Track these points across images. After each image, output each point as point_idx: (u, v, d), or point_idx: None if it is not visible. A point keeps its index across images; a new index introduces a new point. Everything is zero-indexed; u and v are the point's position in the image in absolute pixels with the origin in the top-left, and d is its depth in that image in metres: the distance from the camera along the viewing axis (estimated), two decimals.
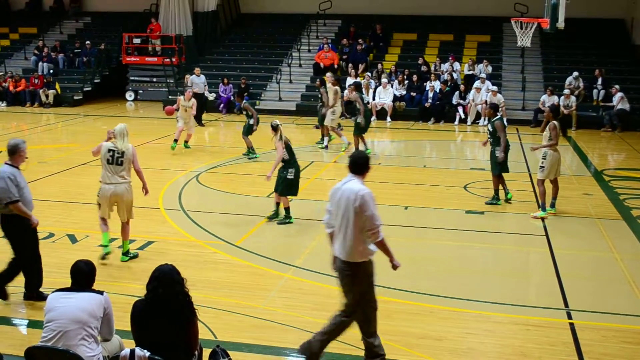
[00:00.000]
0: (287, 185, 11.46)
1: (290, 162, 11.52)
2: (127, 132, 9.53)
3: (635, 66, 26.07)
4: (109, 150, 9.28)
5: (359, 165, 6.52)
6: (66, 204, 12.75)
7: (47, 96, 26.68)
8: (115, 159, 9.28)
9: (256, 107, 25.60)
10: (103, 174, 9.39)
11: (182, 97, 18.04)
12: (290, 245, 10.61)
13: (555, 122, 11.94)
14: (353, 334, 6.73)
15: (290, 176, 11.45)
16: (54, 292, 5.58)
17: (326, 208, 6.59)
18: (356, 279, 6.48)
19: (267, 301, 8.32)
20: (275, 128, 11.75)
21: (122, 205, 9.50)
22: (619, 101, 22.91)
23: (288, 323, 7.66)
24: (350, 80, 24.83)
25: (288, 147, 11.52)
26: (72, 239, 10.54)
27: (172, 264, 5.33)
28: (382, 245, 6.47)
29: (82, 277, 5.59)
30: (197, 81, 23.70)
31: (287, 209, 11.57)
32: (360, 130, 17.41)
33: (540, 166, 12.18)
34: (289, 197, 11.62)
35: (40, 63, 28.70)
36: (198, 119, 21.33)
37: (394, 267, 6.66)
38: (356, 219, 6.28)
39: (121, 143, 9.31)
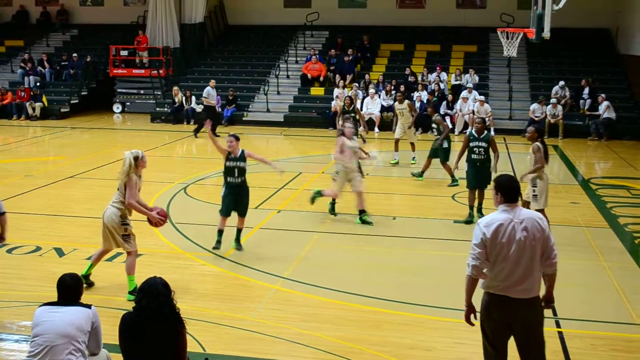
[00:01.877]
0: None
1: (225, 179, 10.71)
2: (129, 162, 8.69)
3: (621, 75, 26.28)
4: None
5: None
6: (53, 217, 12.67)
7: (33, 109, 26.56)
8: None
9: (244, 118, 25.74)
10: None
11: None
12: (279, 256, 10.58)
13: (539, 143, 11.01)
14: None
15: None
16: (40, 306, 5.53)
17: None
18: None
19: (256, 313, 8.29)
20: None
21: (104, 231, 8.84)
22: (605, 110, 23.06)
23: (277, 335, 7.62)
24: (338, 91, 24.92)
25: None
26: (59, 252, 10.47)
27: (161, 277, 5.30)
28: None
29: (68, 290, 5.55)
30: (212, 93, 23.74)
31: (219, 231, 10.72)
32: (446, 157, 15.86)
33: (533, 195, 11.11)
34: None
35: (26, 76, 28.58)
36: (213, 130, 21.18)
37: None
38: None
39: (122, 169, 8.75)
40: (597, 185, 16.00)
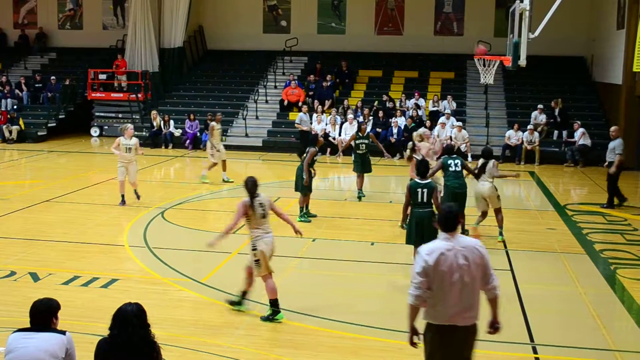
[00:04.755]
0: None
1: None
2: None
3: (596, 102, 26.62)
4: None
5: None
6: (28, 241, 12.54)
7: (10, 132, 26.37)
8: None
9: (223, 142, 25.71)
10: None
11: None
12: (257, 282, 10.52)
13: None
14: None
15: None
16: (14, 332, 5.44)
17: None
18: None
19: (234, 339, 8.23)
20: None
21: None
22: (580, 137, 23.32)
23: None
24: (317, 117, 25.03)
25: None
26: (34, 277, 10.35)
27: (137, 303, 5.23)
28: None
29: (39, 316, 5.43)
30: (305, 118, 24.26)
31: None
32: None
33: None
34: None
35: (3, 99, 28.40)
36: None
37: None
38: None
39: None
40: (573, 211, 16.13)
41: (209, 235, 13.12)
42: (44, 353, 5.25)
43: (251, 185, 8.89)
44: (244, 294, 9.13)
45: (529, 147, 23.50)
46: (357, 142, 16.81)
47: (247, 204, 8.81)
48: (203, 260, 11.66)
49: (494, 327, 6.03)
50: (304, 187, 14.12)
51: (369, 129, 24.80)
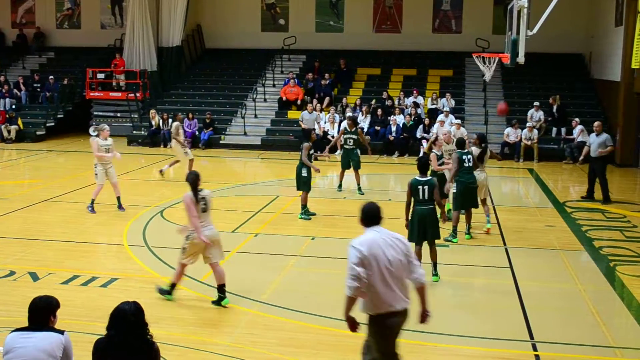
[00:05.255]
0: None
1: None
2: None
3: (594, 99, 26.63)
4: None
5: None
6: (27, 241, 12.53)
7: (9, 132, 26.37)
8: None
9: (221, 141, 25.73)
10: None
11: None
12: (256, 280, 10.54)
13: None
14: None
15: None
16: (12, 332, 5.42)
17: None
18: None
19: (233, 338, 8.23)
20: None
21: None
22: (579, 134, 23.32)
23: None
24: (303, 114, 25.04)
25: None
26: (34, 276, 10.34)
27: (135, 302, 5.22)
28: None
29: (38, 313, 5.41)
30: (307, 117, 24.06)
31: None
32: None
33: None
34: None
35: (2, 99, 28.37)
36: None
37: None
38: None
39: None
40: (572, 208, 16.14)
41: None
42: (43, 353, 5.23)
43: (192, 180, 9.25)
44: (173, 285, 9.46)
45: (528, 144, 23.49)
46: (344, 137, 17.09)
47: (191, 197, 9.18)
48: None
49: (424, 315, 6.35)
50: (304, 184, 14.14)
51: (366, 126, 25.00)
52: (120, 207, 14.82)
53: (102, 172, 14.64)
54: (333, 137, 24.46)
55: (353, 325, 6.11)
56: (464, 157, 12.63)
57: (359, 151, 17.21)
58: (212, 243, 9.18)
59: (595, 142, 16.94)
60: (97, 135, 14.97)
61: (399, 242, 6.08)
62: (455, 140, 13.98)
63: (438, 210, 10.73)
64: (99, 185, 14.68)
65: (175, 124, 18.89)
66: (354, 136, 17.01)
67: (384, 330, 6.07)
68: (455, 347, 8.18)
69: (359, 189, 17.03)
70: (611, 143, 17.02)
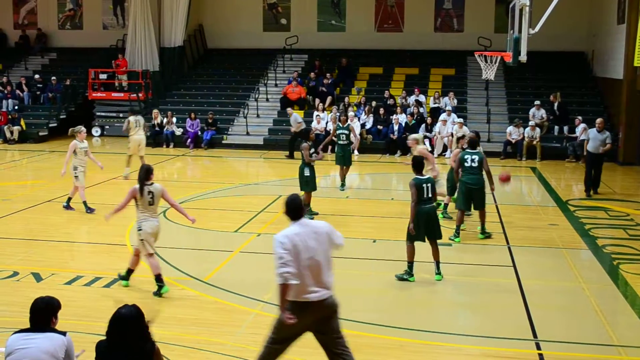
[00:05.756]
0: None
1: None
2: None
3: (597, 97, 26.58)
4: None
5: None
6: (31, 241, 12.55)
7: (11, 132, 26.40)
8: None
9: (224, 141, 25.74)
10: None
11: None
12: (259, 280, 10.53)
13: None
14: None
15: None
16: (13, 334, 5.40)
17: None
18: None
19: (236, 337, 8.23)
20: None
21: None
22: (582, 132, 23.28)
23: None
24: (317, 114, 25.03)
25: None
26: (37, 277, 10.35)
27: (135, 305, 5.19)
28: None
29: (39, 314, 5.40)
30: (298, 120, 24.08)
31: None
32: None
33: None
34: None
35: (4, 100, 28.41)
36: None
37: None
38: None
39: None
40: (575, 206, 16.12)
41: (210, 234, 13.19)
42: (45, 354, 5.23)
43: (142, 174, 9.63)
44: (130, 271, 9.97)
45: (532, 142, 23.46)
46: (338, 132, 17.37)
47: (136, 190, 9.58)
48: (205, 259, 11.66)
49: None
50: (306, 184, 14.16)
51: (369, 125, 25.01)
52: (68, 207, 14.90)
53: (83, 174, 14.73)
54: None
55: (287, 314, 6.29)
56: (467, 156, 12.60)
57: (350, 147, 17.72)
58: (152, 236, 9.67)
59: (596, 138, 17.20)
60: (74, 137, 14.90)
61: (324, 233, 6.41)
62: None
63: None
64: (82, 187, 14.76)
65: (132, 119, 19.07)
66: (347, 131, 17.34)
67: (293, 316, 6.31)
68: (458, 346, 8.17)
69: (343, 184, 17.27)
70: (610, 141, 17.37)
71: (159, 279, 9.62)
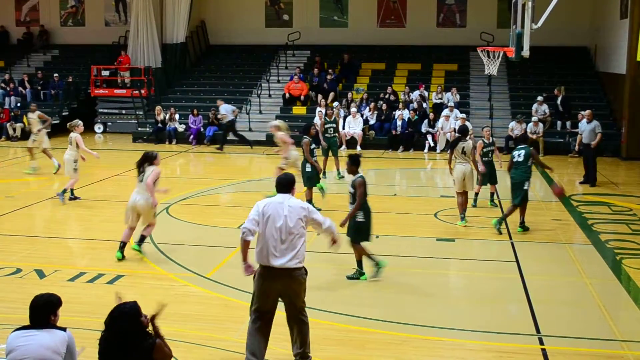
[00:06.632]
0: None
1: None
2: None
3: (600, 92, 26.54)
4: None
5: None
6: (34, 238, 12.56)
7: (14, 130, 26.41)
8: None
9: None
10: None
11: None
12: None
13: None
14: None
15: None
16: (14, 331, 5.40)
17: None
18: None
19: (239, 333, 8.23)
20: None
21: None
22: None
23: None
24: (319, 110, 25.02)
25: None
26: (40, 274, 10.36)
27: (134, 302, 5.19)
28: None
29: (38, 311, 5.39)
30: (229, 109, 25.28)
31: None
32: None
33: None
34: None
35: (7, 97, 28.42)
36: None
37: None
38: None
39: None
40: (578, 201, 16.10)
41: (213, 230, 13.19)
42: (46, 350, 5.24)
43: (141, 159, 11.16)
44: (142, 237, 11.29)
45: (534, 137, 23.42)
46: (325, 126, 18.59)
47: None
48: (208, 255, 11.67)
49: (333, 241, 7.82)
50: (308, 180, 14.20)
51: (373, 121, 25.01)
52: (73, 197, 15.51)
53: (78, 167, 15.63)
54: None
55: (247, 268, 7.13)
56: (514, 152, 13.12)
57: (337, 140, 19.21)
58: (129, 210, 11.08)
59: (586, 129, 18.19)
60: (72, 131, 15.78)
61: (299, 209, 6.99)
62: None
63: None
64: (76, 179, 15.57)
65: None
66: (334, 125, 18.65)
67: (261, 284, 7.01)
68: (461, 341, 8.17)
69: (339, 173, 18.32)
70: (600, 130, 18.19)
71: (121, 245, 11.03)
